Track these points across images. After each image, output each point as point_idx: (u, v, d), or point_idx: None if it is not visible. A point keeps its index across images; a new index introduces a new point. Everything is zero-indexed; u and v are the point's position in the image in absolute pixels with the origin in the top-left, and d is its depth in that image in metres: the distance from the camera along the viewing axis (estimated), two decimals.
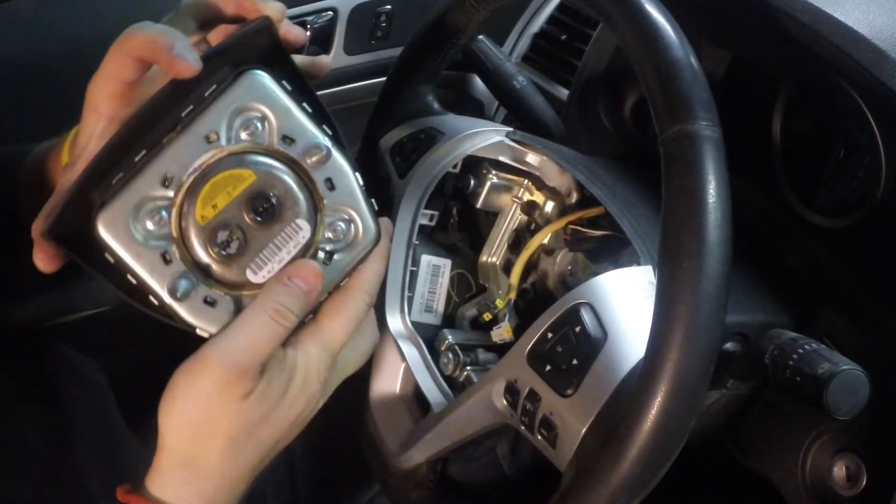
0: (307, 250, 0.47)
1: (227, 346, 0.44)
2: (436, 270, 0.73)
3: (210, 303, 0.46)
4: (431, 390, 0.66)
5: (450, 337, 0.69)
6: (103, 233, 0.45)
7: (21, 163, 0.62)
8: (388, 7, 1.17)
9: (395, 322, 0.69)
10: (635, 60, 0.48)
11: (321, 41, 1.14)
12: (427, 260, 0.72)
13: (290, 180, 0.47)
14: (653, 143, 0.47)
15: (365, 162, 0.76)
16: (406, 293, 0.69)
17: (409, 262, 0.69)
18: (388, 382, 0.71)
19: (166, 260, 0.46)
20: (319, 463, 0.92)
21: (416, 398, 0.71)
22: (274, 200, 0.46)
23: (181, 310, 0.46)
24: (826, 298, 0.61)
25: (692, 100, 0.45)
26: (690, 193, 0.44)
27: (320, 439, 0.92)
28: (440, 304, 0.73)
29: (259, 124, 0.47)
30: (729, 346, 0.55)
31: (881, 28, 0.56)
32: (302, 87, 0.50)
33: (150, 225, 0.45)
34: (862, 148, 0.59)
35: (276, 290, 0.45)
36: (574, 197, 0.68)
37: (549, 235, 0.69)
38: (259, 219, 0.46)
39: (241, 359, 0.44)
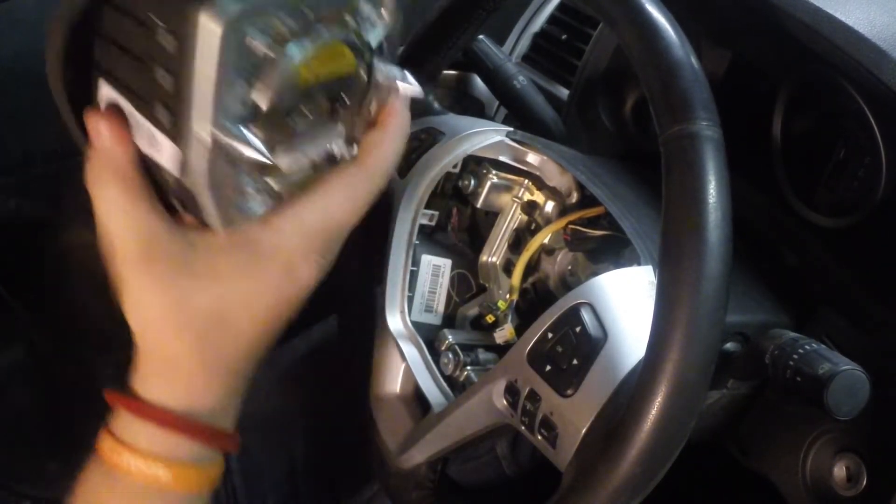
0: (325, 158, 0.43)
1: (110, 244, 0.42)
2: (436, 270, 0.73)
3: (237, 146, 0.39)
4: (431, 390, 0.66)
5: (450, 337, 0.69)
6: (208, 17, 0.36)
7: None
8: None
9: (395, 322, 0.69)
10: (635, 60, 0.48)
11: None
12: (427, 260, 0.72)
13: (365, 82, 0.43)
14: (653, 142, 0.47)
15: None
16: (406, 293, 0.69)
17: (410, 262, 0.69)
18: (388, 382, 0.71)
19: (250, 83, 0.38)
20: (319, 462, 0.92)
21: (416, 398, 0.71)
22: (346, 100, 0.42)
23: (224, 137, 0.39)
24: (826, 298, 0.61)
25: (692, 100, 0.45)
26: (691, 193, 0.44)
27: (320, 439, 0.92)
28: (440, 304, 0.73)
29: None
30: (729, 346, 0.55)
31: (882, 28, 0.56)
32: None
33: (264, 39, 0.38)
34: (862, 148, 0.59)
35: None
36: (574, 197, 0.68)
37: (550, 235, 0.69)
38: (328, 108, 0.41)
39: (121, 249, 0.41)
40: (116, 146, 0.40)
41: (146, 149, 0.41)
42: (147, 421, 0.42)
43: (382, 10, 0.43)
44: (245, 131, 0.39)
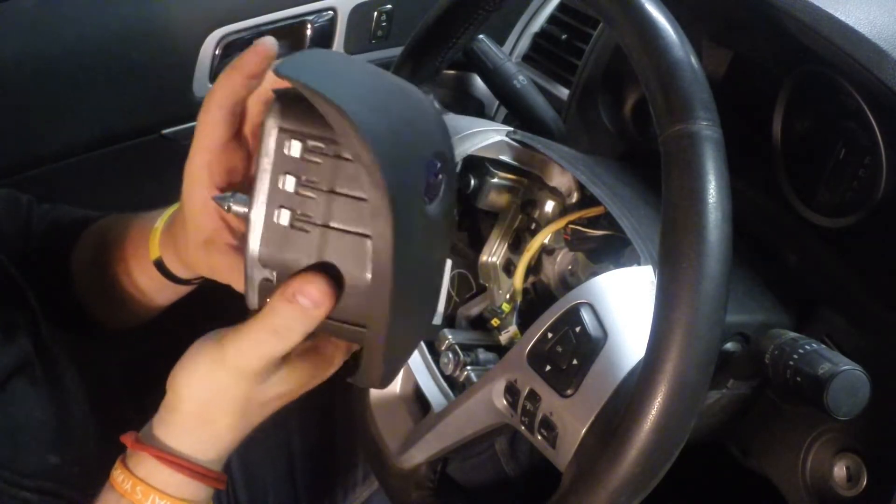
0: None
1: (238, 347, 0.47)
2: None
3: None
4: (431, 390, 0.66)
5: (450, 337, 0.69)
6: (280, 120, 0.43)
7: (84, 226, 0.67)
8: (389, 7, 1.17)
9: None
10: (635, 60, 0.48)
11: (321, 41, 1.14)
12: None
13: None
14: (653, 142, 0.47)
15: None
16: None
17: None
18: None
19: None
20: (319, 461, 0.92)
21: (416, 398, 0.71)
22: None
23: None
24: (826, 298, 0.61)
25: (692, 100, 0.45)
26: (690, 193, 0.44)
27: (320, 438, 0.92)
28: (440, 304, 0.73)
29: None
30: (729, 346, 0.55)
31: (882, 28, 0.56)
32: None
33: None
34: (862, 148, 0.59)
35: (279, 308, 0.45)
36: (574, 197, 0.68)
37: (550, 235, 0.69)
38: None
39: (247, 363, 0.47)
40: (322, 306, 0.45)
41: None
42: (180, 473, 0.50)
43: None
44: None
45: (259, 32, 1.10)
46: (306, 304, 0.44)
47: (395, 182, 0.41)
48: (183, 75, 1.06)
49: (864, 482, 0.56)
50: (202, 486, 0.51)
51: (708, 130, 0.45)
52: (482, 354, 0.68)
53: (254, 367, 0.47)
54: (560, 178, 0.68)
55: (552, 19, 1.18)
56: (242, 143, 0.53)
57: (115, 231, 0.66)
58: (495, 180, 0.71)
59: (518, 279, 0.69)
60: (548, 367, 0.54)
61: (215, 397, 0.49)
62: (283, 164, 0.44)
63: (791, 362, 0.51)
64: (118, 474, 0.51)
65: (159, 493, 0.49)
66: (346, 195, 0.43)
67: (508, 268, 0.73)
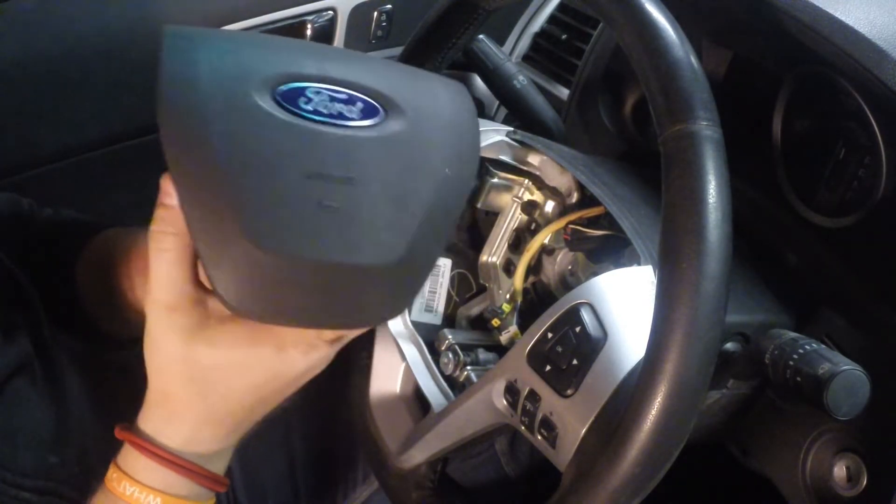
0: None
1: (149, 285, 0.47)
2: (436, 270, 0.73)
3: None
4: (431, 390, 0.66)
5: (450, 337, 0.69)
6: None
7: (89, 235, 0.67)
8: (389, 7, 1.17)
9: (395, 322, 0.69)
10: (635, 60, 0.48)
11: (321, 41, 1.14)
12: None
13: None
14: (653, 142, 0.47)
15: None
16: None
17: None
18: (388, 382, 0.71)
19: None
20: (319, 461, 0.92)
21: (416, 398, 0.71)
22: None
23: None
24: (826, 298, 0.61)
25: (692, 100, 0.45)
26: (690, 193, 0.44)
27: (320, 437, 0.92)
28: (440, 304, 0.73)
29: None
30: (729, 346, 0.55)
31: (882, 28, 0.56)
32: None
33: None
34: (862, 148, 0.59)
35: (154, 216, 0.47)
36: (574, 196, 0.68)
37: (550, 235, 0.69)
38: None
39: (158, 294, 0.47)
40: (173, 196, 0.46)
41: None
42: (146, 456, 0.49)
43: None
44: None
45: (259, 32, 1.10)
46: (165, 199, 0.46)
47: (194, 70, 0.48)
48: None
49: (864, 482, 0.56)
50: (177, 477, 0.49)
51: (708, 130, 0.45)
52: (482, 354, 0.68)
53: (166, 298, 0.47)
54: (560, 178, 0.68)
55: (552, 19, 1.18)
56: None
57: (122, 246, 0.66)
58: (495, 180, 0.71)
59: (518, 279, 0.69)
60: (548, 367, 0.54)
61: (162, 362, 0.48)
62: None
63: (791, 362, 0.51)
64: (111, 469, 0.50)
65: (129, 480, 0.49)
66: None
67: (508, 268, 0.73)
